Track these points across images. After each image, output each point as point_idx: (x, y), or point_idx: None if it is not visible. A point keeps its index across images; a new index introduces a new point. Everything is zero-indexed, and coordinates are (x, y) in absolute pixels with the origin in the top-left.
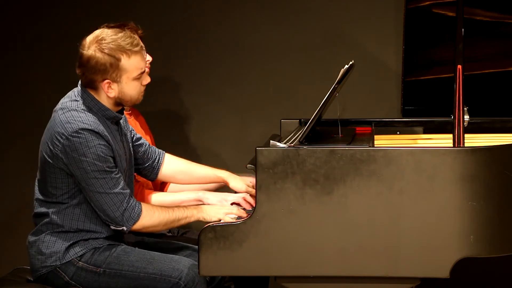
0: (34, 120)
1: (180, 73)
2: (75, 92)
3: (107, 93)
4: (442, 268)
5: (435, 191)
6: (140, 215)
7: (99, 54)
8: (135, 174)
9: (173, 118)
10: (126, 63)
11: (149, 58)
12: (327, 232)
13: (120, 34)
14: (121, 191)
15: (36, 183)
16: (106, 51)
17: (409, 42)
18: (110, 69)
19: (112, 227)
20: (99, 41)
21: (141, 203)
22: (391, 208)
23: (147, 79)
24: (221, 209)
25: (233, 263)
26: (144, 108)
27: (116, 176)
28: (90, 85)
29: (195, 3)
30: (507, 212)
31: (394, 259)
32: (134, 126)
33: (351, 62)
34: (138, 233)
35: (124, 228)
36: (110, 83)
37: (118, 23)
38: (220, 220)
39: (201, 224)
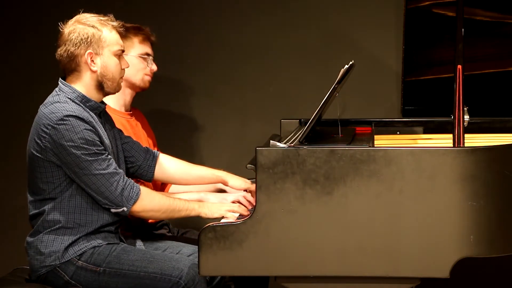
0: (33, 121)
1: (180, 73)
2: (56, 89)
3: (90, 67)
4: (442, 268)
5: (435, 191)
6: (139, 195)
7: (80, 26)
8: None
9: (173, 118)
10: (107, 35)
11: (154, 67)
12: (327, 232)
13: (97, 15)
14: (116, 170)
15: (27, 187)
16: (88, 23)
17: (409, 42)
18: (92, 39)
19: (113, 210)
20: (78, 19)
21: (140, 186)
22: (391, 208)
23: (126, 63)
24: (222, 206)
25: (233, 263)
26: (144, 108)
27: (108, 157)
28: (72, 65)
29: (195, 3)
30: (507, 212)
31: (394, 259)
32: (135, 127)
33: (351, 62)
34: (137, 232)
35: (125, 208)
36: (92, 55)
37: (134, 25)
38: (222, 217)
39: (202, 224)
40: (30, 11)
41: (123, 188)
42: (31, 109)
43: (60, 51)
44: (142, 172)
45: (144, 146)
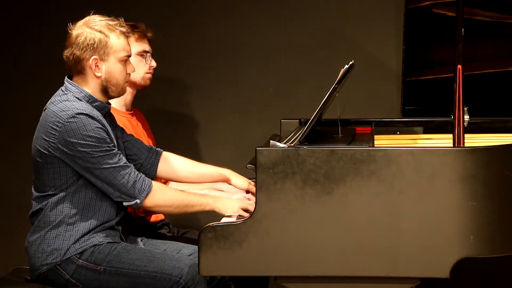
0: (35, 121)
1: (180, 73)
2: (62, 88)
3: (95, 72)
4: (442, 268)
5: (435, 191)
6: (151, 187)
7: (88, 30)
8: None
9: (173, 118)
10: (114, 41)
11: (153, 64)
12: (327, 232)
13: (108, 18)
14: (126, 164)
15: (33, 187)
16: (95, 27)
17: (409, 42)
18: (99, 45)
19: (125, 203)
20: (87, 22)
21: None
22: (391, 208)
23: (131, 68)
24: (237, 203)
25: (233, 263)
26: (144, 108)
27: (118, 152)
28: (77, 67)
29: (195, 3)
30: (507, 212)
31: (394, 259)
32: (136, 127)
33: (351, 62)
34: (137, 232)
35: (138, 200)
36: (97, 60)
37: (130, 23)
38: (236, 214)
39: (202, 224)
40: (32, 11)
41: (135, 181)
42: (32, 110)
43: (67, 53)
44: (144, 170)
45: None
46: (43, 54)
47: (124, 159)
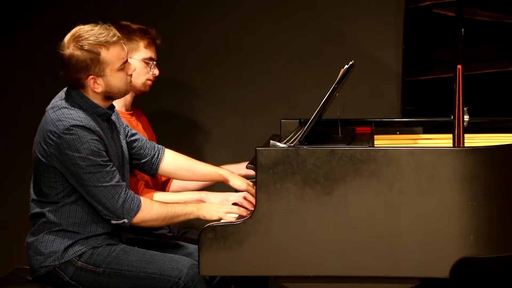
0: (34, 122)
1: (181, 73)
2: (65, 91)
3: (94, 89)
4: (442, 268)
5: (435, 191)
6: (140, 207)
7: (78, 52)
8: (135, 170)
9: (173, 118)
10: (106, 56)
11: (156, 72)
12: (327, 232)
13: (96, 28)
14: (118, 183)
15: (31, 184)
16: (85, 47)
17: (409, 42)
18: (91, 65)
19: (113, 222)
20: (76, 39)
21: (139, 196)
22: (391, 208)
23: (131, 68)
24: (221, 208)
25: (233, 263)
26: (144, 108)
27: (112, 169)
28: (77, 84)
29: (195, 3)
30: (507, 212)
31: (394, 259)
32: (136, 127)
33: (351, 62)
34: (137, 232)
35: (125, 220)
36: (94, 78)
37: (141, 27)
38: (220, 219)
39: (202, 224)
40: (31, 10)
41: (125, 200)
42: (32, 110)
43: (63, 74)
44: (146, 168)
45: None
46: (44, 54)
47: (116, 178)
